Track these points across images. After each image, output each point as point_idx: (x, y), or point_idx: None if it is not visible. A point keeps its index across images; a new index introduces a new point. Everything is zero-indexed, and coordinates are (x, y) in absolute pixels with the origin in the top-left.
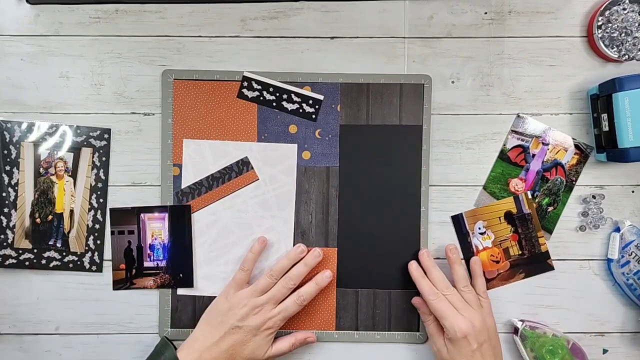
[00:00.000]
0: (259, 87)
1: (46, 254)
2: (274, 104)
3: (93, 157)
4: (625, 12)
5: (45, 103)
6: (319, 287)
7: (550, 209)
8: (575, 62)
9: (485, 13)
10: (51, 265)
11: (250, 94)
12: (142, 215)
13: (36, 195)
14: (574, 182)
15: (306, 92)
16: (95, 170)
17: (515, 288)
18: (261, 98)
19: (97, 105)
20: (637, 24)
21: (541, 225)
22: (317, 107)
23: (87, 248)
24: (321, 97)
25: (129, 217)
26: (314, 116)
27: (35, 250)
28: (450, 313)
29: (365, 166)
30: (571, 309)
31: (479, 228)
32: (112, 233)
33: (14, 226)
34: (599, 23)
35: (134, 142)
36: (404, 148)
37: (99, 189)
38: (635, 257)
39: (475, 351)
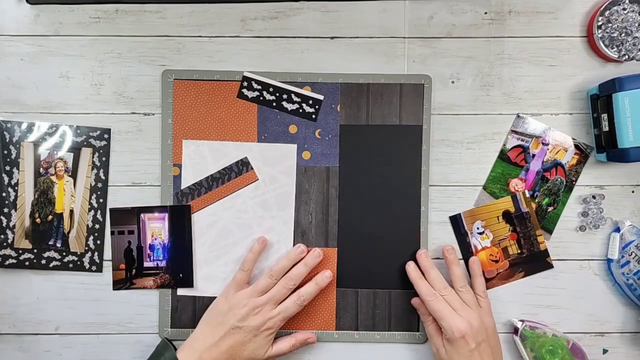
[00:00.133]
0: (259, 87)
1: (46, 254)
2: (274, 104)
3: (93, 157)
4: (625, 12)
5: (45, 103)
6: (319, 287)
7: (550, 209)
8: (575, 62)
9: (485, 13)
10: (51, 265)
11: (250, 94)
12: (142, 215)
13: (36, 195)
14: (574, 182)
15: (306, 92)
16: (95, 170)
17: (515, 288)
18: (261, 98)
19: (97, 105)
20: (637, 24)
21: (541, 226)
22: (317, 107)
23: (87, 248)
24: (321, 97)
25: (129, 217)
26: (314, 116)
27: (35, 250)
28: (447, 313)
29: (365, 166)
30: (571, 309)
31: (478, 228)
32: (112, 233)
33: (14, 226)
34: (599, 23)
35: (134, 142)
36: (404, 148)
37: (99, 189)
38: (635, 257)
39: (474, 351)
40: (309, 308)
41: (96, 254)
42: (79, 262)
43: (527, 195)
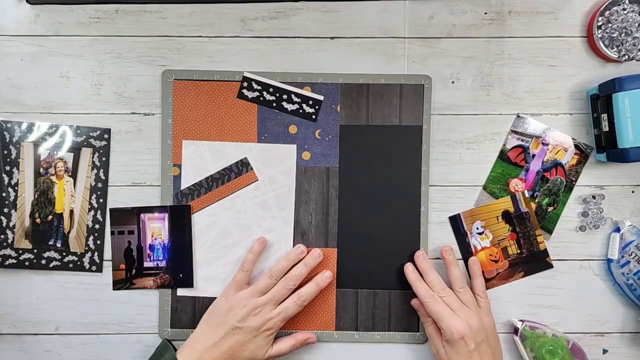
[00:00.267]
0: (259, 87)
1: (46, 254)
2: (274, 104)
3: (93, 157)
4: (625, 12)
5: (45, 103)
6: (319, 288)
7: (550, 209)
8: (575, 62)
9: (485, 13)
10: (51, 265)
11: (250, 94)
12: (142, 215)
13: (36, 195)
14: (574, 182)
15: (306, 92)
16: (95, 170)
17: (515, 288)
18: (261, 98)
19: (97, 105)
20: (637, 24)
21: (541, 226)
22: (317, 107)
23: (87, 248)
24: (321, 98)
25: (129, 217)
26: (314, 116)
27: (35, 250)
28: (446, 315)
29: (365, 166)
30: (571, 309)
31: (477, 228)
32: (112, 233)
33: (14, 226)
34: (599, 23)
35: (134, 142)
36: (403, 148)
37: (99, 189)
38: (635, 257)
39: (473, 352)
40: (308, 308)
41: (96, 254)
42: (79, 262)
43: (527, 195)
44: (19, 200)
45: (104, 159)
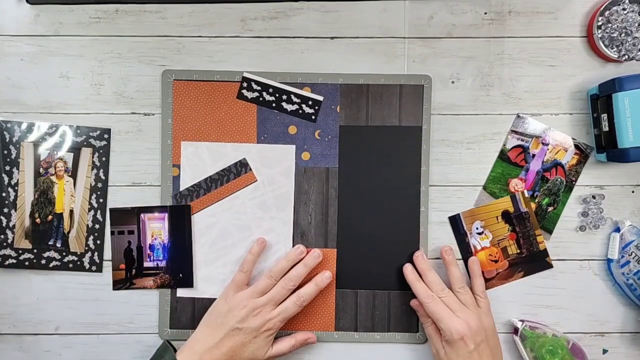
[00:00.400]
0: (259, 87)
1: (46, 254)
2: (274, 104)
3: (93, 157)
4: (625, 12)
5: (45, 103)
6: (318, 288)
7: (550, 209)
8: (575, 62)
9: (485, 13)
10: (51, 265)
11: (249, 94)
12: (142, 215)
13: (36, 195)
14: (574, 182)
15: (306, 92)
16: (95, 170)
17: (515, 288)
18: (261, 99)
19: (97, 105)
20: (637, 24)
21: (541, 225)
22: (316, 108)
23: (87, 248)
24: (321, 98)
25: (129, 217)
26: (313, 117)
27: (35, 250)
28: (445, 315)
29: (364, 167)
30: (571, 309)
31: (477, 228)
32: (112, 233)
33: (13, 226)
34: (599, 23)
35: (134, 142)
36: (403, 149)
37: (99, 189)
38: (635, 257)
39: (473, 352)
40: (308, 309)
41: (96, 254)
42: (79, 262)
43: (527, 195)
44: (19, 200)
45: (104, 159)
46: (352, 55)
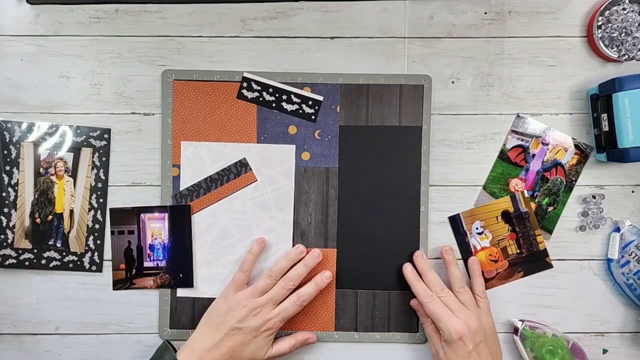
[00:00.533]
0: (259, 87)
1: (46, 254)
2: (274, 104)
3: (93, 157)
4: (625, 12)
5: (45, 103)
6: (318, 288)
7: (550, 209)
8: (575, 62)
9: (485, 13)
10: (51, 265)
11: (249, 94)
12: (142, 215)
13: (36, 195)
14: (574, 182)
15: (306, 92)
16: (95, 170)
17: (515, 288)
18: (261, 99)
19: (97, 105)
20: (637, 24)
21: (541, 225)
22: (316, 108)
23: (87, 248)
24: (321, 98)
25: (129, 217)
26: (313, 117)
27: (35, 250)
28: (445, 315)
29: (364, 167)
30: (571, 309)
31: (477, 228)
32: (112, 233)
33: (14, 226)
34: (599, 23)
35: (134, 142)
36: (403, 149)
37: (99, 189)
38: (635, 257)
39: (472, 352)
40: (308, 309)
41: (96, 254)
42: (79, 262)
43: (527, 195)
44: (19, 200)
45: (104, 159)
46: (352, 55)
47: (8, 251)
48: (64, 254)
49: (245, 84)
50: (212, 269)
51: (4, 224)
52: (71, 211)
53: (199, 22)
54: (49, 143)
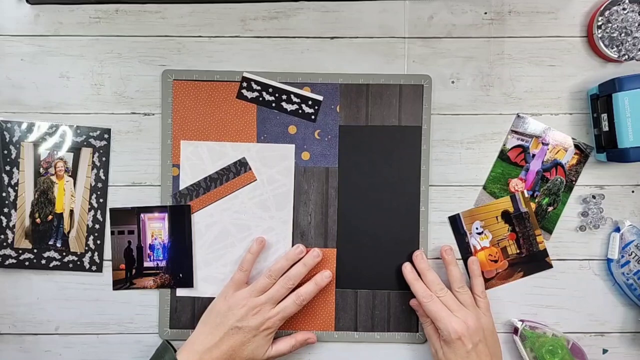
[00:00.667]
0: (258, 87)
1: (46, 254)
2: (273, 104)
3: (93, 157)
4: (625, 12)
5: (45, 103)
6: (318, 287)
7: (550, 209)
8: (575, 62)
9: (485, 13)
10: (51, 265)
11: (249, 94)
12: (142, 215)
13: (36, 195)
14: (574, 182)
15: (305, 92)
16: (95, 170)
17: (515, 288)
18: (260, 99)
19: (97, 105)
20: (637, 24)
21: (541, 225)
22: (316, 107)
23: (87, 248)
24: (320, 98)
25: (129, 217)
26: (313, 117)
27: (35, 250)
28: (444, 315)
29: (364, 167)
30: (571, 309)
31: (477, 228)
32: (112, 233)
33: (14, 226)
34: (599, 23)
35: (134, 142)
36: (403, 149)
37: (99, 189)
38: (635, 257)
39: (471, 352)
40: (308, 308)
41: (96, 254)
42: (79, 262)
43: (526, 195)
44: (19, 200)
45: (104, 159)
46: (352, 55)
47: (8, 251)
48: (64, 254)
49: (245, 84)
50: (211, 269)
51: (4, 224)
52: (71, 211)
53: (199, 22)
54: (49, 143)
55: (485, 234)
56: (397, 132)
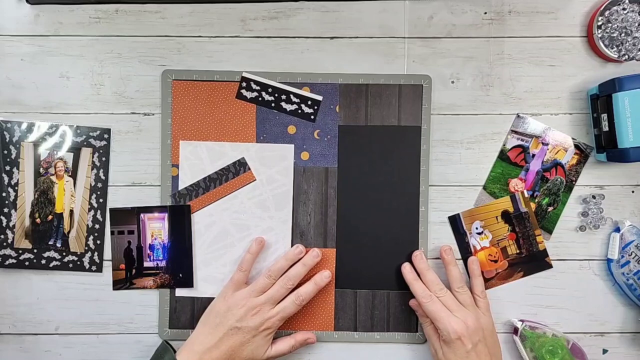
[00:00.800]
0: (258, 87)
1: (46, 254)
2: (273, 104)
3: (93, 157)
4: (625, 12)
5: (45, 103)
6: (317, 287)
7: (550, 209)
8: (575, 62)
9: (485, 13)
10: (51, 265)
11: (249, 94)
12: (142, 215)
13: (36, 195)
14: (573, 182)
15: (305, 92)
16: (95, 170)
17: (515, 288)
18: (260, 99)
19: (97, 105)
20: (637, 24)
21: (541, 225)
22: (315, 107)
23: (87, 248)
24: (320, 98)
25: (128, 217)
26: (312, 117)
27: (35, 250)
28: (443, 315)
29: (364, 167)
30: (571, 309)
31: (477, 228)
32: (112, 233)
33: (14, 226)
34: (599, 23)
35: (134, 142)
36: (403, 149)
37: (99, 189)
38: (635, 257)
39: (470, 352)
40: (307, 309)
41: (96, 254)
42: (79, 262)
43: (526, 195)
44: (19, 200)
45: (104, 159)
46: (352, 55)
47: (8, 251)
48: (64, 254)
49: (244, 84)
50: (211, 269)
51: (4, 224)
52: (71, 211)
53: (199, 22)
54: (49, 143)
55: (485, 234)
56: (396, 132)
